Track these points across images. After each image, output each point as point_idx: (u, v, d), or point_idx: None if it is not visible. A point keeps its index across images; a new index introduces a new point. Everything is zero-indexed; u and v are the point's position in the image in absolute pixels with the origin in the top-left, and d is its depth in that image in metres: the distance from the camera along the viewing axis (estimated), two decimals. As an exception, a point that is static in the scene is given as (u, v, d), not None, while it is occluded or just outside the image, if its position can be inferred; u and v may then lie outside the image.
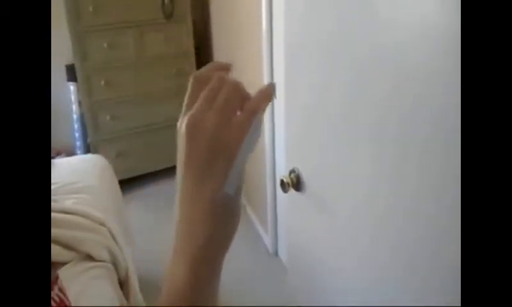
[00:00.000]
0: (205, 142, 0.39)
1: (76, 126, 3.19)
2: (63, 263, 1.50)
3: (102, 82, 2.92)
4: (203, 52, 3.29)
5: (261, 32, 2.13)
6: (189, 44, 3.09)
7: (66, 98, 3.18)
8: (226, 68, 0.46)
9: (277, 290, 2.26)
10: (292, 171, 1.19)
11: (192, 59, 3.09)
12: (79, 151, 3.20)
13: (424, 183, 0.77)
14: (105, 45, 2.85)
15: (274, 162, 2.36)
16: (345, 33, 0.90)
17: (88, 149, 3.09)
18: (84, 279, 1.46)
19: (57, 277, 0.45)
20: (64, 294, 0.90)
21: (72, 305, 0.94)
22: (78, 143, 3.23)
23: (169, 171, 3.15)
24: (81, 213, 1.65)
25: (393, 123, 0.81)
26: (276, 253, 2.57)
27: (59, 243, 1.52)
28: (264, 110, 0.42)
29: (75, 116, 3.17)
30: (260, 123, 0.42)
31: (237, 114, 0.41)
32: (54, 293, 0.80)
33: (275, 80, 2.04)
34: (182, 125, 0.41)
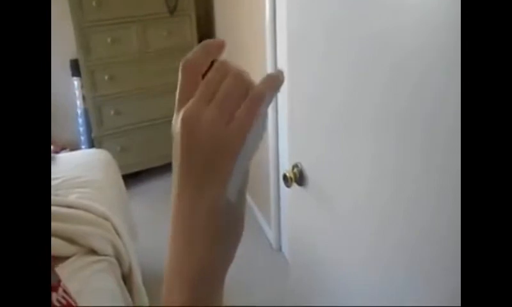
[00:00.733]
0: (202, 142, 0.34)
1: (80, 121, 3.19)
2: (66, 257, 1.51)
3: (106, 77, 2.92)
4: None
5: (264, 25, 2.12)
6: (192, 38, 3.08)
7: (70, 93, 3.18)
8: (219, 46, 0.39)
9: (280, 285, 2.26)
10: (294, 166, 1.18)
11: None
12: (83, 146, 3.21)
13: (427, 176, 0.76)
14: (108, 39, 2.84)
15: (277, 156, 2.35)
16: (347, 21, 0.89)
17: (92, 144, 3.10)
18: (87, 273, 1.47)
19: (59, 281, 0.44)
20: (70, 296, 0.90)
21: (76, 301, 0.94)
22: (82, 138, 3.23)
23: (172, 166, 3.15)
24: (85, 207, 1.66)
25: (396, 116, 0.81)
26: (279, 248, 2.57)
27: (62, 237, 1.52)
28: (270, 101, 0.36)
29: (79, 111, 3.18)
30: (264, 117, 0.36)
31: (239, 109, 0.35)
32: (60, 295, 0.80)
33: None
34: (176, 122, 0.36)
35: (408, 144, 0.80)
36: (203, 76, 0.37)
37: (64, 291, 0.90)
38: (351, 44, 0.90)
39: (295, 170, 1.17)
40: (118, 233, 1.66)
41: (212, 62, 0.39)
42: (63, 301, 0.89)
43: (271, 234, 2.60)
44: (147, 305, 1.78)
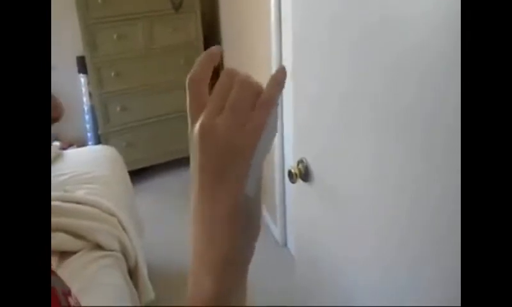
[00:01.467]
0: (220, 148, 0.37)
1: (87, 117, 3.21)
2: (73, 252, 1.52)
3: (112, 74, 2.94)
4: (211, 42, 3.28)
5: (270, 22, 2.12)
6: (197, 35, 3.08)
7: (77, 90, 3.20)
8: (217, 54, 0.42)
9: (286, 281, 2.27)
10: (299, 162, 1.18)
11: (201, 50, 3.08)
12: (90, 143, 3.23)
13: (432, 169, 0.76)
14: (114, 36, 2.86)
15: (282, 152, 2.35)
16: (349, 23, 0.89)
17: (98, 141, 3.12)
18: (93, 268, 1.48)
19: (69, 290, 0.45)
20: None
21: (81, 294, 0.95)
22: (89, 134, 3.25)
23: (179, 162, 3.17)
24: (92, 203, 1.67)
25: (397, 115, 0.80)
26: (285, 244, 2.57)
27: (69, 232, 1.54)
28: (277, 102, 0.39)
29: (85, 108, 3.19)
30: (275, 119, 0.38)
31: (251, 113, 0.37)
32: (73, 297, 0.80)
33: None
34: (192, 133, 0.38)
35: (409, 143, 0.80)
36: (211, 86, 0.40)
37: (75, 299, 0.90)
38: (352, 44, 0.90)
39: (300, 166, 1.18)
40: (124, 229, 1.67)
41: (217, 71, 0.42)
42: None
43: (276, 230, 2.61)
44: (153, 299, 1.80)
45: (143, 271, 1.75)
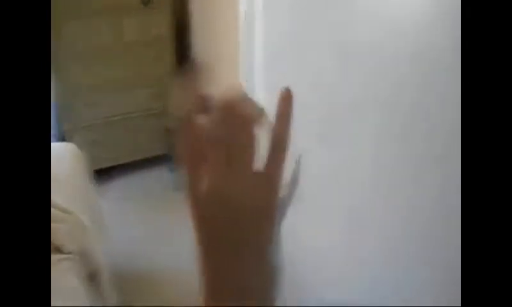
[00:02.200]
0: (234, 214, 0.32)
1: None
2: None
3: (77, 69, 2.83)
4: (181, 38, 3.22)
5: (238, 18, 2.08)
6: (167, 30, 3.01)
7: (40, 85, 3.08)
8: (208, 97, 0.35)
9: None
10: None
11: (171, 46, 3.01)
12: (53, 139, 3.11)
13: (432, 169, 0.75)
14: (81, 30, 2.75)
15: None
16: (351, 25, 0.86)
17: (63, 138, 3.00)
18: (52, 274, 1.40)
19: None
20: None
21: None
22: (53, 131, 3.13)
23: (147, 162, 3.09)
24: (48, 202, 1.59)
25: (398, 114, 0.79)
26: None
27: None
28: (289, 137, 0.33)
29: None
30: (298, 166, 0.33)
31: (265, 162, 0.32)
32: None
33: (254, 73, 1.99)
34: (197, 191, 0.32)
35: (410, 142, 0.79)
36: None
37: None
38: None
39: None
40: (83, 229, 1.60)
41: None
42: None
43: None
44: (116, 304, 1.73)
45: (104, 274, 1.68)
